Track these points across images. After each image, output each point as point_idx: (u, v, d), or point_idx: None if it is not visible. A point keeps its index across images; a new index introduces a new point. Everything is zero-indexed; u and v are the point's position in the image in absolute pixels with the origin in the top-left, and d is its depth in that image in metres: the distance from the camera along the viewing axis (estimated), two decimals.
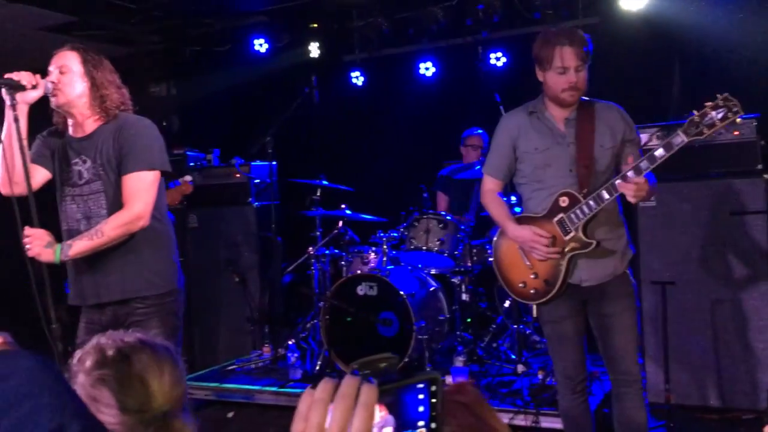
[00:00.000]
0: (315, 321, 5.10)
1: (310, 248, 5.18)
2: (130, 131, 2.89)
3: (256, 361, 5.30)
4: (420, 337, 4.32)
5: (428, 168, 5.71)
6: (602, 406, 3.93)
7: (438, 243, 4.60)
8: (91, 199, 2.93)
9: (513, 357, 4.59)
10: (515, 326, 4.58)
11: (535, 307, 3.13)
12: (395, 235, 4.83)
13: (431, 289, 4.70)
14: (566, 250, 2.96)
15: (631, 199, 2.82)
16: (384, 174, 6.06)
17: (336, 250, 5.26)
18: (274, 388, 4.60)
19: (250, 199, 5.77)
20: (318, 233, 5.27)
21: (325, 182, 5.20)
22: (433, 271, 4.87)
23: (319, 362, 4.78)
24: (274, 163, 5.45)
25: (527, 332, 4.72)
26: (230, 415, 4.59)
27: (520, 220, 3.10)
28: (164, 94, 7.37)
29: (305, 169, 5.40)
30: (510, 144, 3.14)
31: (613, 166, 3.04)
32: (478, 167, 4.69)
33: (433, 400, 0.80)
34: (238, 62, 6.52)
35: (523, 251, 3.09)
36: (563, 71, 2.90)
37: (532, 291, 3.06)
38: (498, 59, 5.64)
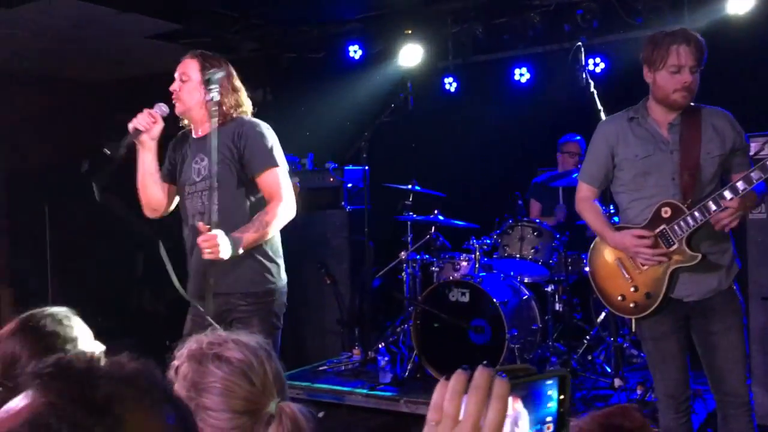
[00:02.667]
0: (405, 326, 5.12)
1: (402, 253, 5.21)
2: (252, 134, 3.02)
3: (346, 363, 5.37)
4: (512, 346, 4.28)
5: (522, 175, 5.64)
6: (705, 425, 3.77)
7: (532, 251, 4.54)
8: (206, 195, 3.06)
9: (609, 370, 4.47)
10: (612, 339, 4.46)
11: (633, 321, 3.04)
12: (488, 242, 4.80)
13: (524, 297, 4.64)
14: (669, 262, 2.86)
15: (732, 224, 2.71)
16: (477, 180, 6.03)
17: (427, 256, 5.26)
18: (364, 391, 4.65)
19: (343, 202, 5.86)
20: (409, 238, 5.29)
21: (417, 187, 5.22)
22: (526, 280, 4.81)
23: (409, 367, 4.80)
24: (367, 167, 5.52)
25: (624, 345, 4.59)
26: (321, 414, 4.67)
27: (619, 231, 3.02)
28: (260, 100, 7.58)
29: (398, 174, 5.43)
30: (608, 151, 3.05)
31: (719, 176, 2.91)
32: (576, 175, 4.60)
33: (561, 397, 0.81)
34: (332, 68, 6.63)
35: (622, 263, 3.01)
36: (677, 70, 2.79)
37: (631, 305, 2.97)
38: (596, 65, 5.51)
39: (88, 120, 7.64)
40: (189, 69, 3.04)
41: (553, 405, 0.81)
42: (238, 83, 3.13)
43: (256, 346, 1.51)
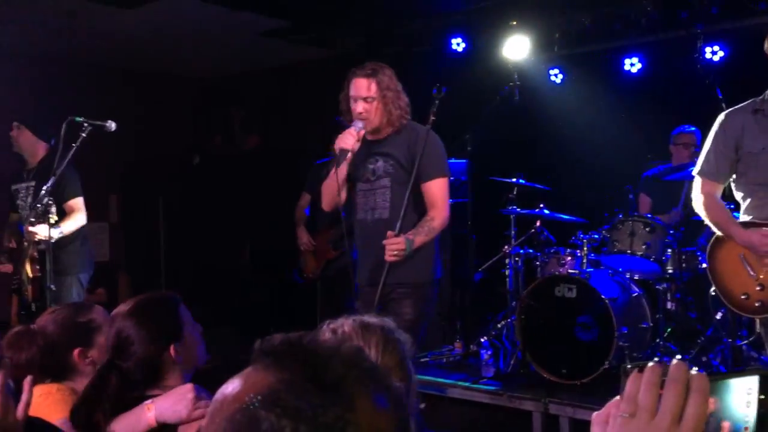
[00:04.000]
0: (508, 320, 5.07)
1: (505, 247, 5.15)
2: (426, 142, 3.33)
3: (447, 356, 5.36)
4: (621, 344, 4.15)
5: (632, 168, 5.46)
6: None
7: (643, 247, 4.39)
8: (378, 194, 3.41)
9: (724, 370, 4.28)
10: (729, 340, 4.26)
11: (758, 321, 2.91)
12: (596, 237, 4.68)
13: (634, 294, 4.50)
14: None
15: None
16: (584, 174, 5.89)
17: (531, 250, 5.19)
18: (466, 384, 4.63)
19: None
20: (513, 232, 5.22)
21: (522, 181, 5.15)
22: (636, 277, 4.65)
23: (511, 362, 4.75)
24: (469, 160, 5.47)
25: (743, 347, 4.37)
26: (422, 405, 4.68)
27: (745, 227, 2.89)
28: None
29: (502, 167, 5.37)
30: (732, 144, 2.94)
31: None
32: (692, 168, 4.42)
33: (762, 397, 0.77)
34: (435, 62, 6.62)
35: (746, 259, 2.88)
36: None
37: (756, 303, 2.84)
38: (714, 53, 5.25)
39: (200, 115, 7.97)
40: (371, 91, 3.33)
41: (752, 405, 0.76)
42: (400, 86, 3.44)
43: (376, 333, 1.53)
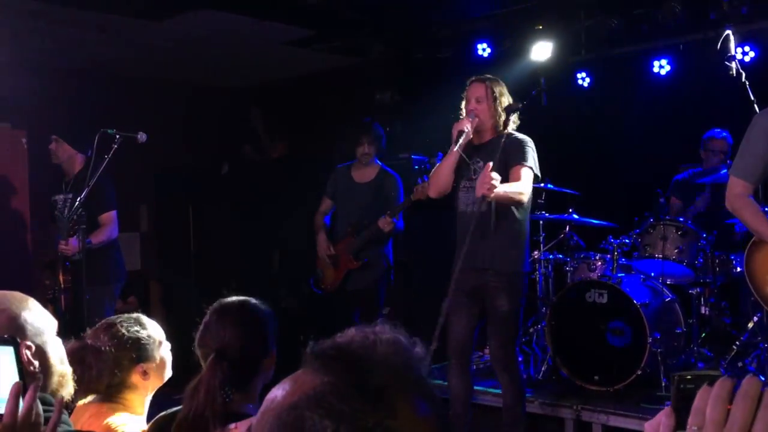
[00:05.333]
0: (538, 326, 5.04)
1: (535, 252, 5.12)
2: (516, 143, 3.80)
3: (477, 362, 5.33)
4: (654, 349, 4.11)
5: (662, 172, 5.40)
6: None
7: (676, 252, 4.33)
8: None
9: (762, 378, 4.20)
10: (765, 344, 4.19)
11: None
12: (627, 241, 4.63)
13: (666, 299, 4.45)
14: None
15: None
16: (614, 178, 5.83)
17: (560, 255, 5.15)
18: (497, 390, 4.60)
19: None
20: (541, 237, 5.19)
21: (550, 186, 5.11)
22: (668, 281, 4.60)
23: (542, 368, 4.72)
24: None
25: None
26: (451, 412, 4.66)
27: None
28: (389, 101, 7.68)
29: None
30: (766, 144, 2.90)
31: None
32: (724, 171, 4.36)
33: None
34: (461, 67, 6.60)
35: None
36: None
37: None
38: (745, 54, 5.17)
39: (227, 125, 8.05)
40: (482, 92, 3.81)
41: None
42: (507, 100, 3.85)
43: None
